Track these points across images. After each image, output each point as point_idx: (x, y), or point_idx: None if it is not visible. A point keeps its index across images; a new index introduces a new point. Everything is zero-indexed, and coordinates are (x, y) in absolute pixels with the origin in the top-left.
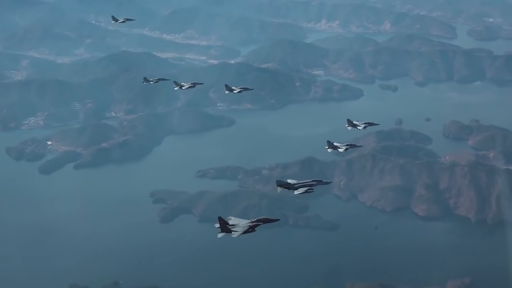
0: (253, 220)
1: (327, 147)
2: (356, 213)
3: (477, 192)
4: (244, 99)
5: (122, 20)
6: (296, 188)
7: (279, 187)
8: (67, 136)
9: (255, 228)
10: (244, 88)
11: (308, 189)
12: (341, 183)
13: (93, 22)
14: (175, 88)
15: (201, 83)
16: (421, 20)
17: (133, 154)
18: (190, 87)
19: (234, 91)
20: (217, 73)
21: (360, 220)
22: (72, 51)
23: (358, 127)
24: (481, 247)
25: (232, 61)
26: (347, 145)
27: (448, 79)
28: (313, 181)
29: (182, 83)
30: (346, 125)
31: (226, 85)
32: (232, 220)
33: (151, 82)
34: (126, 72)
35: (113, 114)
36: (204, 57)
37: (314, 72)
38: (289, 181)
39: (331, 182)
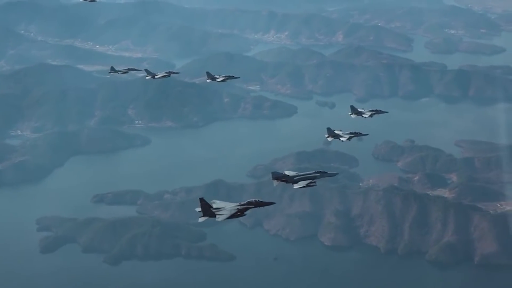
0: (243, 202)
1: (327, 136)
2: (257, 242)
3: (390, 220)
4: (165, 116)
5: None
6: (296, 182)
7: (275, 181)
8: None
9: (245, 212)
10: (228, 76)
11: (310, 182)
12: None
13: (22, 32)
14: (147, 78)
15: (177, 73)
16: (376, 31)
17: (29, 177)
18: (164, 76)
19: (217, 80)
20: (138, 88)
21: (260, 250)
22: None
23: (364, 115)
24: (387, 279)
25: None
26: (350, 133)
27: (392, 95)
28: (316, 172)
29: (155, 73)
30: (350, 113)
31: (207, 73)
32: (216, 204)
33: (119, 73)
34: (40, 86)
35: (19, 132)
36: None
37: (250, 87)
38: (287, 173)
39: (338, 174)
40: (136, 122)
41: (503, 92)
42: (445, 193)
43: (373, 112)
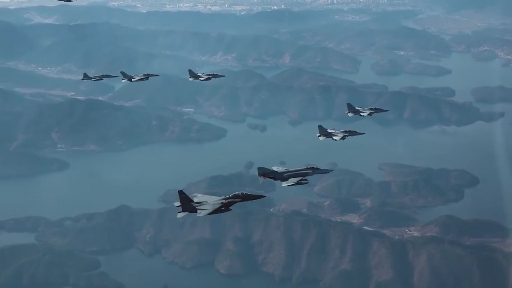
0: (228, 196)
1: (318, 135)
2: (152, 270)
3: (288, 247)
4: (89, 139)
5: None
6: (285, 179)
7: (262, 177)
8: None
9: (230, 207)
10: (212, 74)
11: (301, 179)
12: (147, 236)
13: None
14: (123, 81)
15: (156, 75)
16: (323, 53)
17: None
18: (142, 79)
19: (201, 79)
20: (64, 111)
21: (152, 279)
22: None
23: (362, 114)
24: None
25: (100, 98)
26: (345, 131)
27: (325, 118)
28: (307, 168)
29: (132, 75)
30: (346, 112)
31: (190, 71)
32: (198, 198)
33: (92, 79)
34: None
35: None
36: (72, 93)
37: (184, 109)
38: (275, 168)
39: (332, 170)
40: (59, 145)
41: (438, 114)
42: (354, 218)
43: (373, 111)
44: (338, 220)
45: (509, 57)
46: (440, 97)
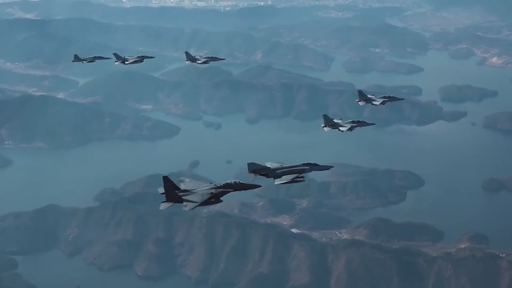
0: (219, 184)
1: (323, 125)
2: (69, 272)
3: (209, 249)
4: (38, 136)
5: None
6: (279, 176)
7: (252, 174)
8: None
9: (220, 198)
10: (211, 57)
11: (297, 177)
12: (70, 236)
13: None
14: (116, 63)
15: (152, 57)
16: (296, 50)
17: None
18: (136, 61)
19: (198, 62)
20: (16, 107)
21: (67, 281)
22: None
23: (374, 102)
24: None
25: (61, 94)
26: (352, 121)
27: (284, 116)
28: (304, 164)
29: (125, 57)
30: (357, 100)
31: (186, 53)
32: (185, 184)
33: (83, 62)
34: None
35: None
36: (35, 89)
37: (142, 106)
38: (268, 164)
39: (333, 167)
40: (7, 142)
41: (399, 114)
42: (286, 220)
43: (386, 99)
44: (269, 221)
45: (485, 55)
46: (405, 96)
